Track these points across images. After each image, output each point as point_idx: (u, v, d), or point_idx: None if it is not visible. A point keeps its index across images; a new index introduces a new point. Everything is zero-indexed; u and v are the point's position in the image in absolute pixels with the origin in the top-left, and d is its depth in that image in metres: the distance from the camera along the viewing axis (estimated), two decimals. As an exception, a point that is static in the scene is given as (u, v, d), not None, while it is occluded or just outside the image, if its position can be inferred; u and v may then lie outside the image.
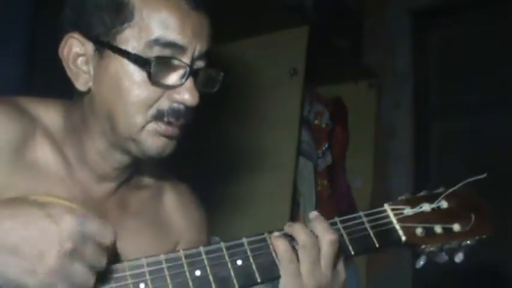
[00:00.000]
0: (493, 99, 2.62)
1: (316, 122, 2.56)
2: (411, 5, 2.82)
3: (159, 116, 0.92)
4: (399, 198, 1.01)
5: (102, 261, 0.73)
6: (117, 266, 0.80)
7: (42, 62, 0.99)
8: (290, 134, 2.14)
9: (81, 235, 0.70)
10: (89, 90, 0.94)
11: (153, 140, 0.93)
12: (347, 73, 2.72)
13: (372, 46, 2.87)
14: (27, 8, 1.46)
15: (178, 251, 0.84)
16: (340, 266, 0.90)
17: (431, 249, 0.95)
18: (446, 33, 2.84)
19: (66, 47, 0.93)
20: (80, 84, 0.94)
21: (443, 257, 0.97)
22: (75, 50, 0.93)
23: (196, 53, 0.94)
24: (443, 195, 0.99)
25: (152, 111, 0.92)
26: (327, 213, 2.75)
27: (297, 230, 0.87)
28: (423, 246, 0.95)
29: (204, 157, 2.28)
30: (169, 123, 0.93)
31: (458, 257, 0.97)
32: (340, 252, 0.89)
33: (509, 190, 2.35)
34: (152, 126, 0.92)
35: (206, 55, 0.98)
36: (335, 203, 2.59)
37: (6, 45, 1.44)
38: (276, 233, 0.88)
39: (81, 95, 0.96)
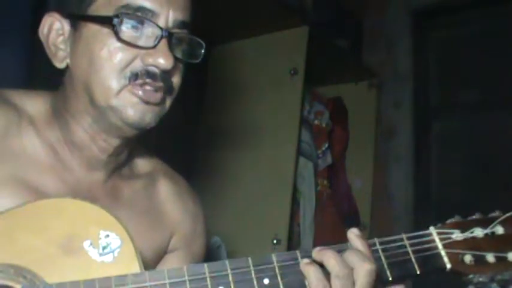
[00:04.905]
0: (493, 99, 2.62)
1: (316, 122, 2.56)
2: (411, 5, 2.82)
3: (133, 78, 0.90)
4: (448, 221, 0.92)
5: None
6: (138, 277, 0.78)
7: (43, 56, 1.00)
8: (290, 134, 2.14)
9: None
10: (67, 67, 0.96)
11: (131, 105, 0.91)
12: (347, 73, 2.73)
13: (372, 46, 2.88)
14: (28, 2, 1.46)
15: (203, 265, 0.80)
16: None
17: (481, 279, 0.87)
18: (447, 33, 2.84)
19: (46, 26, 0.96)
20: (58, 61, 0.96)
21: None
22: (54, 28, 0.95)
23: (171, 20, 0.93)
24: (498, 220, 0.90)
25: (126, 74, 0.91)
26: (327, 213, 2.73)
27: (328, 257, 0.79)
28: (471, 276, 0.87)
29: (204, 157, 2.28)
30: (145, 85, 0.91)
31: None
32: (377, 281, 0.82)
33: (509, 190, 2.35)
34: (128, 90, 0.91)
35: (185, 26, 0.95)
36: (335, 203, 2.59)
37: (6, 40, 1.44)
38: (306, 260, 0.80)
39: (64, 79, 0.97)
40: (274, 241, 1.99)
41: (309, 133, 2.46)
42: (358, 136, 2.74)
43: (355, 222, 2.63)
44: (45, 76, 1.00)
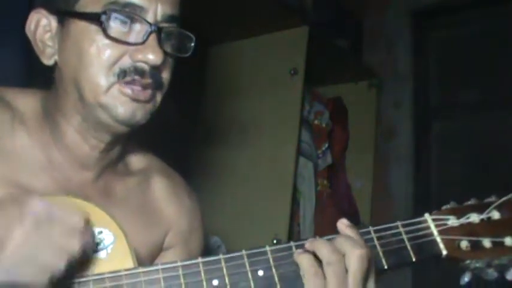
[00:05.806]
0: (493, 99, 2.62)
1: (316, 122, 2.56)
2: (411, 5, 2.82)
3: (121, 75, 0.89)
4: (443, 207, 0.91)
5: (72, 244, 0.71)
6: (132, 271, 0.78)
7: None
8: (290, 134, 2.14)
9: (46, 217, 0.70)
10: (56, 64, 0.95)
11: (121, 103, 0.90)
12: (347, 73, 2.73)
13: (372, 46, 2.88)
14: (28, 1, 1.46)
15: (197, 258, 0.80)
16: (371, 282, 0.81)
17: (477, 265, 0.86)
18: (446, 33, 2.84)
19: (33, 23, 0.95)
20: (46, 58, 0.95)
21: (492, 274, 0.87)
22: (41, 24, 0.94)
23: (159, 14, 0.92)
24: (494, 205, 0.89)
25: (115, 71, 0.90)
26: (327, 213, 2.72)
27: (319, 246, 0.79)
28: (468, 262, 0.86)
29: (204, 157, 2.28)
30: (133, 82, 0.90)
31: (511, 274, 0.86)
32: (372, 267, 0.81)
33: (509, 190, 2.35)
34: (117, 88, 0.90)
35: (174, 20, 0.94)
36: (335, 203, 2.59)
37: (5, 37, 1.44)
38: (299, 250, 0.81)
39: (55, 77, 0.97)
40: (274, 241, 1.99)
41: (309, 133, 2.46)
42: (358, 136, 2.74)
43: (355, 222, 2.61)
44: (45, 76, 1.00)
